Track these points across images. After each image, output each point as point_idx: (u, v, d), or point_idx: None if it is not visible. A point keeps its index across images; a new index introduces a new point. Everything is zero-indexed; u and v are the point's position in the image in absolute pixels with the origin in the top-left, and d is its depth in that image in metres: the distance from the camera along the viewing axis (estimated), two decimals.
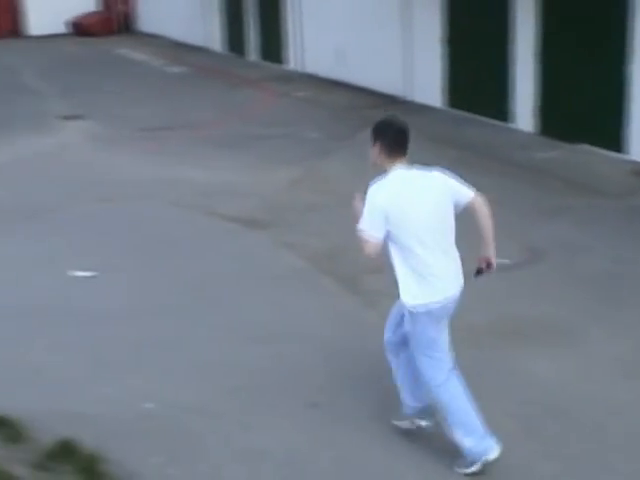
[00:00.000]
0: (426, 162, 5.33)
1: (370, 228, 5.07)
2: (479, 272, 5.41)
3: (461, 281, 5.30)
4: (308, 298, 7.65)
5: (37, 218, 9.87)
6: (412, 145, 5.13)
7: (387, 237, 5.14)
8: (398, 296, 5.22)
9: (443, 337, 5.35)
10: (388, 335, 5.55)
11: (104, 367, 6.42)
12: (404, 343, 5.45)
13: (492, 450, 5.27)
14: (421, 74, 15.47)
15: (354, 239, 5.03)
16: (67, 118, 15.74)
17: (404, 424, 5.70)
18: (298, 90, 17.44)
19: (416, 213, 5.10)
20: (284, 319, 7.11)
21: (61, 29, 28.70)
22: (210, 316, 7.22)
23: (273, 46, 20.50)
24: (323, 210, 9.92)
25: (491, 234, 5.37)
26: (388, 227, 5.09)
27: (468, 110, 14.29)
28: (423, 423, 5.65)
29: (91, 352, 6.64)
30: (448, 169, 5.24)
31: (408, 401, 5.60)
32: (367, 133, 5.18)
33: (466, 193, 5.31)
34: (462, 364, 5.30)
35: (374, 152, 5.20)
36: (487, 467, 5.16)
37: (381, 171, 5.14)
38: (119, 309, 7.23)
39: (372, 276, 7.57)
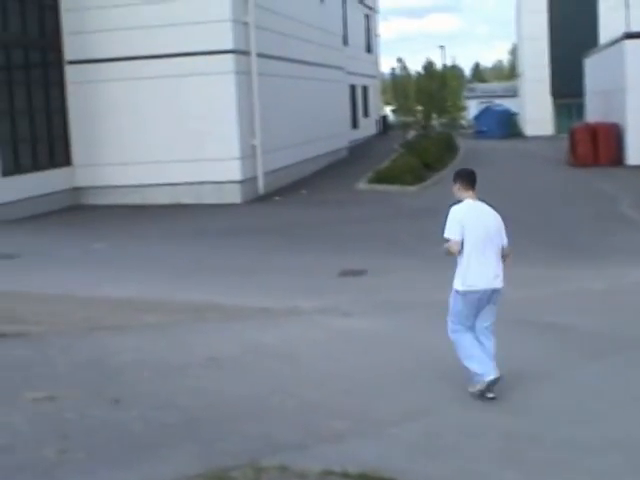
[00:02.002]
0: None
1: (452, 234, 7.45)
2: None
3: (497, 282, 7.50)
4: None
5: (630, 348, 9.37)
6: None
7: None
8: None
9: (473, 313, 7.60)
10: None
11: None
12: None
13: (490, 373, 7.40)
14: None
15: None
16: None
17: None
18: None
19: (478, 228, 7.47)
20: None
21: None
22: None
23: None
24: None
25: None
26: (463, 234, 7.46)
27: None
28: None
29: None
30: None
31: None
32: None
33: (505, 238, 7.65)
34: None
35: (455, 188, 7.69)
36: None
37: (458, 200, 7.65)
38: None
39: None
